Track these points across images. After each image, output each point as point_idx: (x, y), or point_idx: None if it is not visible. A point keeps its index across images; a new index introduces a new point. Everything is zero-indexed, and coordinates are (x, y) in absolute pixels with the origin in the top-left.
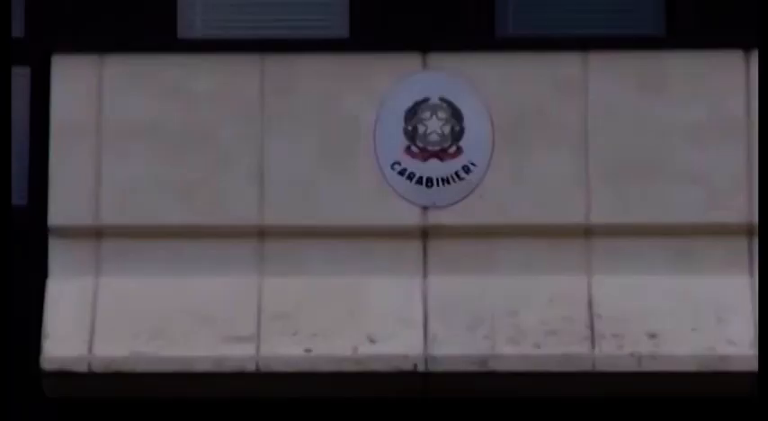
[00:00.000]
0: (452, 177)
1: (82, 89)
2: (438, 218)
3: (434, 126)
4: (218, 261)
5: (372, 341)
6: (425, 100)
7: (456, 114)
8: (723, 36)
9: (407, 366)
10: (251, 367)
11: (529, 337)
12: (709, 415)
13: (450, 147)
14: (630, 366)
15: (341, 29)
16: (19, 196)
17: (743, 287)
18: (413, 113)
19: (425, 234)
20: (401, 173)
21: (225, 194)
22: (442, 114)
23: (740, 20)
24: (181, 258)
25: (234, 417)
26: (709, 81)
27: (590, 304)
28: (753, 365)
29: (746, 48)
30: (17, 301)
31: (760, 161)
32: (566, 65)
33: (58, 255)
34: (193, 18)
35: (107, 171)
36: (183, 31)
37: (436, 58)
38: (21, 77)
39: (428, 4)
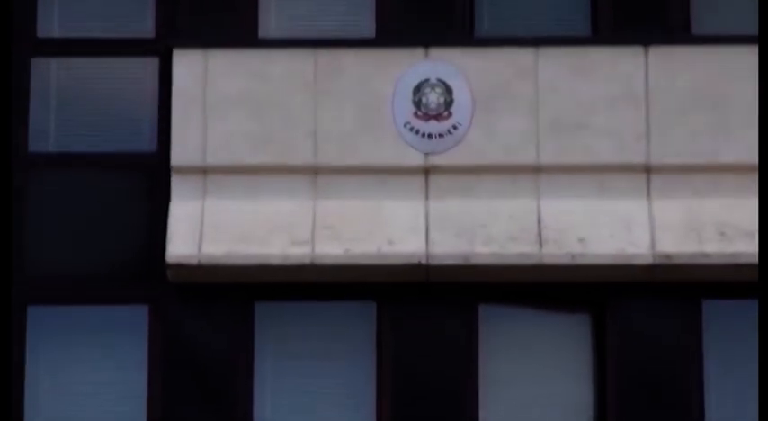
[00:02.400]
0: (445, 133)
1: (193, 72)
2: (435, 160)
3: (433, 98)
4: (286, 189)
5: (391, 243)
6: (427, 80)
7: (448, 90)
8: (630, 36)
9: (414, 261)
10: (308, 261)
11: (497, 241)
12: (619, 293)
13: (444, 112)
14: (566, 260)
15: (369, 31)
16: (151, 145)
17: (642, 207)
18: (418, 89)
19: (427, 171)
20: (410, 130)
21: (290, 144)
22: (438, 90)
23: (641, 25)
24: (261, 187)
25: (295, 296)
26: (620, 67)
27: (539, 219)
28: (649, 260)
29: (645, 43)
30: (150, 218)
31: (760, 161)
32: (523, 56)
33: (177, 185)
34: (268, 23)
35: (210, 127)
36: (263, 33)
37: (435, 52)
38: (151, 66)
39: (430, 15)
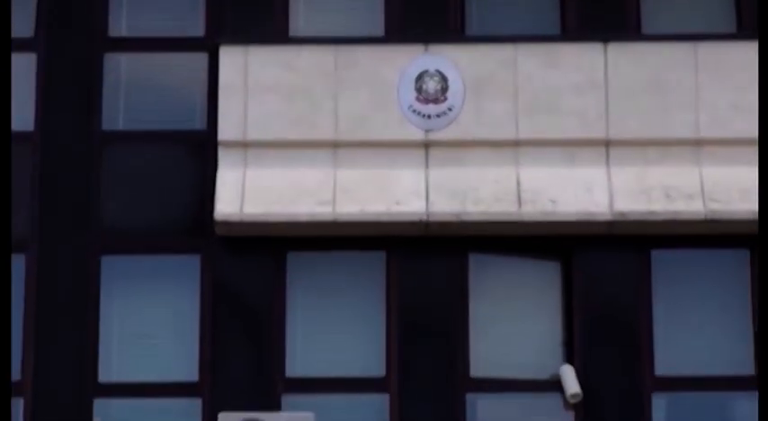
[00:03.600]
0: (442, 114)
1: (236, 65)
2: (434, 136)
3: (432, 85)
4: (313, 160)
5: (398, 204)
6: (426, 71)
7: (444, 78)
8: (592, 34)
9: (417, 218)
10: (330, 219)
11: (485, 201)
12: (583, 244)
13: (440, 97)
14: (540, 218)
15: (379, 30)
16: (201, 124)
17: (602, 174)
18: (419, 78)
19: (427, 145)
20: (413, 111)
21: (315, 122)
22: (436, 79)
23: (601, 25)
24: (291, 158)
25: (319, 247)
26: (584, 60)
27: (518, 182)
28: (608, 217)
29: (605, 40)
30: (201, 183)
31: (760, 161)
32: (505, 51)
33: (223, 156)
34: (297, 24)
35: (250, 109)
36: (293, 32)
37: (433, 48)
38: (201, 60)
39: (428, 17)
